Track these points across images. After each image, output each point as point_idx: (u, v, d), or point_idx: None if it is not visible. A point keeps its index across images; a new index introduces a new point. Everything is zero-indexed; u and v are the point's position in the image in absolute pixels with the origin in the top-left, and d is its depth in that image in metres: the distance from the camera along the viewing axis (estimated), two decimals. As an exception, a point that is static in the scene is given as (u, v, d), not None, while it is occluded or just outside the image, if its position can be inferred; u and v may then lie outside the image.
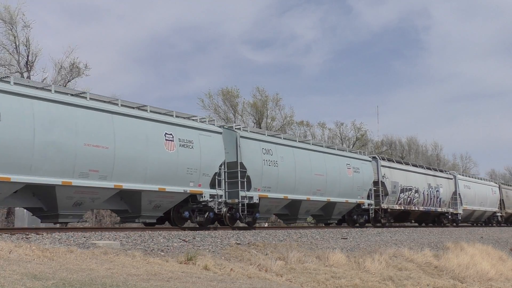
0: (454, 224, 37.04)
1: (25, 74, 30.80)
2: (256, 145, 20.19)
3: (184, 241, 13.91)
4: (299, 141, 23.22)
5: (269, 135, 21.67)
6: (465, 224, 41.68)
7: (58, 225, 15.55)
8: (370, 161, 27.70)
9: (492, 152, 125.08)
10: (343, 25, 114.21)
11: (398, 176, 29.77)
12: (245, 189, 19.39)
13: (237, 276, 10.47)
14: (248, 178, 19.45)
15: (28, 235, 12.25)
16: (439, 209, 34.27)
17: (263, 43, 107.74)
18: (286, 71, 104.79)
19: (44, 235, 12.50)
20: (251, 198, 19.59)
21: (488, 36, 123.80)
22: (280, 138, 22.15)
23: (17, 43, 31.06)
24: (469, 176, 42.98)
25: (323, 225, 26.43)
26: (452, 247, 21.23)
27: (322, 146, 24.52)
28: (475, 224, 44.05)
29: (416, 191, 31.50)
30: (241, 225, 20.67)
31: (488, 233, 32.96)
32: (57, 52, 59.89)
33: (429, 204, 33.01)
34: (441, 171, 37.41)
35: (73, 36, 78.04)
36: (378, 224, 28.45)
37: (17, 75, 29.33)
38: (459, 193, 37.00)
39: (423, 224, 36.48)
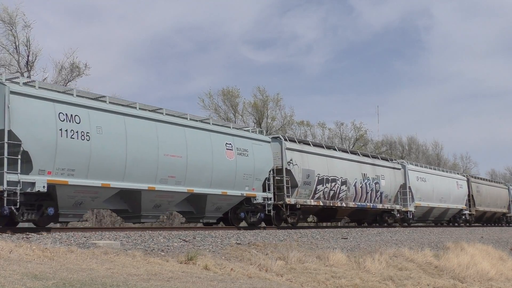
0: (405, 224, 30.98)
1: (25, 74, 30.79)
2: (48, 107, 13.88)
3: (184, 241, 13.91)
4: (139, 108, 16.54)
5: (79, 95, 15.01)
6: (421, 224, 35.83)
7: (58, 225, 15.59)
8: (268, 141, 21.34)
9: (492, 152, 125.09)
10: (344, 25, 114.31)
11: (314, 163, 23.39)
12: (18, 171, 13.09)
13: (238, 276, 10.47)
14: (27, 154, 13.28)
15: (28, 235, 12.25)
16: (379, 206, 27.97)
17: (264, 43, 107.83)
18: (287, 71, 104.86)
19: (45, 235, 12.50)
20: (32, 184, 13.31)
21: (489, 36, 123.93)
22: (105, 102, 15.55)
23: (17, 43, 31.07)
24: (426, 167, 35.70)
25: (200, 225, 21.41)
26: (452, 247, 21.23)
27: (186, 119, 18.11)
28: (437, 224, 38.10)
29: (344, 183, 25.12)
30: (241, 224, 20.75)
31: (489, 233, 32.98)
32: (59, 52, 59.68)
33: (365, 200, 26.68)
34: (384, 159, 31.35)
35: (74, 36, 78.06)
36: (284, 225, 22.66)
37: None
38: (409, 187, 30.81)
39: (365, 224, 30.04)
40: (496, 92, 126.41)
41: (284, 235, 17.78)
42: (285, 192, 21.53)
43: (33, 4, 70.10)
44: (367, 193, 26.92)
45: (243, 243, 14.83)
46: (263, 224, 21.85)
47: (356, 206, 26.13)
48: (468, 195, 39.03)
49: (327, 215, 26.69)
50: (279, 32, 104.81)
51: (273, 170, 21.33)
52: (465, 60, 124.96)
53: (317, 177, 23.31)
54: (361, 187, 26.50)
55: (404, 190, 30.67)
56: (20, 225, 14.71)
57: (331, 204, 24.34)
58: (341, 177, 25.02)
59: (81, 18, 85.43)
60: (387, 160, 31.23)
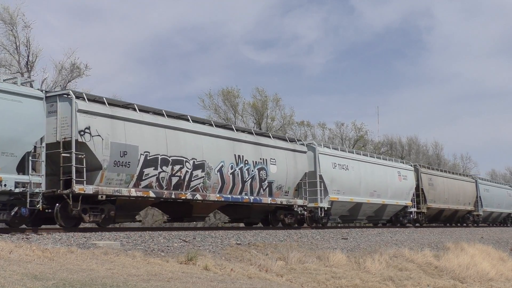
0: (314, 224, 24.16)
1: (26, 75, 30.80)
2: None
3: (184, 241, 13.91)
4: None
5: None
6: (340, 225, 27.27)
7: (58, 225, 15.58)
8: (38, 98, 13.98)
9: (492, 153, 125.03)
10: (345, 25, 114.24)
11: (139, 136, 16.25)
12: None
13: (238, 276, 10.47)
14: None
15: (28, 235, 12.26)
16: (266, 200, 20.59)
17: (266, 43, 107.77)
18: (288, 72, 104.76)
19: (45, 235, 12.50)
20: None
21: (490, 37, 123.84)
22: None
23: (18, 44, 31.06)
24: (350, 151, 28.52)
25: None
26: (452, 247, 21.23)
27: None
28: (377, 225, 30.62)
29: (199, 167, 17.92)
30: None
31: (489, 233, 32.95)
32: (60, 53, 59.78)
33: (241, 191, 19.56)
34: (280, 138, 23.16)
35: (75, 36, 78.00)
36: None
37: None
38: (320, 175, 23.93)
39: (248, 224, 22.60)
40: (497, 93, 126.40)
41: (284, 236, 17.78)
42: (74, 176, 14.26)
43: (34, 4, 70.17)
44: (244, 182, 19.57)
45: (243, 243, 14.83)
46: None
47: (222, 199, 18.73)
48: (417, 189, 32.24)
49: (179, 212, 19.15)
50: (280, 33, 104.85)
51: (57, 143, 14.55)
52: (466, 60, 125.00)
53: (143, 156, 16.16)
54: (232, 173, 19.06)
55: (312, 181, 23.53)
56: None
57: (174, 196, 17.14)
58: (193, 158, 17.72)
59: (82, 18, 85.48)
60: (284, 139, 23.08)
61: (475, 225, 40.23)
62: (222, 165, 18.81)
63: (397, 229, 27.58)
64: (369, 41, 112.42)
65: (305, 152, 23.32)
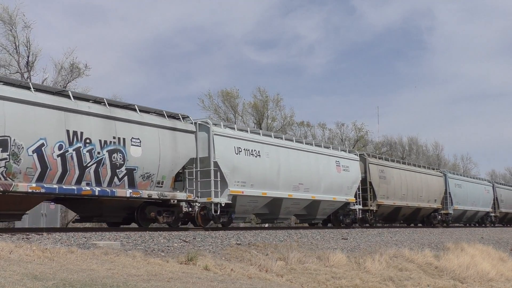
0: (212, 223, 19.62)
1: (25, 75, 30.80)
2: None
3: (185, 241, 13.91)
4: None
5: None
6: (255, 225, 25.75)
7: (58, 225, 15.59)
8: None
9: (493, 153, 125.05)
10: (346, 26, 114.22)
11: None
12: None
13: (238, 277, 10.47)
14: None
15: (28, 235, 12.25)
16: (122, 192, 15.74)
17: (267, 44, 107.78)
18: (289, 72, 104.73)
19: (45, 235, 12.50)
20: None
21: (492, 37, 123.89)
22: None
23: (17, 44, 31.06)
24: (265, 134, 22.07)
25: None
26: (452, 247, 21.24)
27: None
28: (313, 226, 25.66)
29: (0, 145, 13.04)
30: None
31: (489, 233, 32.93)
32: (61, 53, 59.68)
33: (81, 180, 14.72)
34: (152, 112, 17.48)
35: (76, 36, 78.06)
36: None
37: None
38: (215, 162, 18.37)
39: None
40: (497, 93, 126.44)
41: (284, 236, 17.78)
42: None
43: (35, 5, 70.15)
44: (84, 168, 14.78)
45: (243, 243, 14.83)
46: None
47: (42, 190, 13.87)
48: (365, 183, 27.70)
49: None
50: (281, 33, 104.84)
51: None
52: (467, 61, 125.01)
53: None
54: (61, 156, 14.27)
55: (205, 169, 18.50)
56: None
57: None
58: None
59: (83, 18, 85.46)
60: (160, 114, 17.52)
61: (445, 225, 36.05)
62: (43, 143, 13.86)
63: (397, 229, 27.54)
64: (370, 42, 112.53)
65: (192, 132, 18.12)
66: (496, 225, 44.45)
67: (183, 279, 8.96)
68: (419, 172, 33.53)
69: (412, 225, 34.96)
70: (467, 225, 41.83)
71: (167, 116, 17.43)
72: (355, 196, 26.24)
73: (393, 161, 32.14)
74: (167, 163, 16.87)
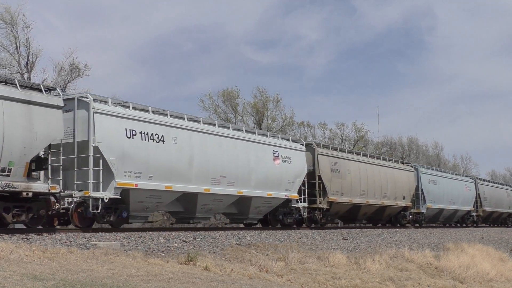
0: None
1: (26, 75, 30.81)
2: None
3: (185, 241, 13.91)
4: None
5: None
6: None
7: (57, 226, 15.58)
8: None
9: (493, 153, 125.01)
10: (347, 26, 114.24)
11: None
12: None
13: (238, 277, 10.47)
14: None
15: (28, 235, 12.25)
16: None
17: (267, 43, 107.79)
18: (290, 72, 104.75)
19: (45, 235, 12.50)
20: None
21: (492, 37, 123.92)
22: None
23: (18, 44, 31.08)
24: (174, 115, 18.00)
25: None
26: (452, 247, 21.23)
27: None
28: (205, 224, 23.89)
29: None
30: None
31: (489, 234, 32.92)
32: (61, 53, 59.67)
33: None
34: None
35: (77, 37, 78.05)
36: None
37: (17, 76, 29.36)
38: (95, 147, 15.08)
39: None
40: (497, 93, 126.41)
41: (285, 236, 17.78)
42: None
43: (36, 5, 70.19)
44: None
45: (243, 243, 14.83)
46: None
47: None
48: (313, 177, 23.67)
49: None
50: (281, 33, 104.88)
51: None
52: (468, 61, 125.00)
53: None
54: None
55: (84, 155, 15.08)
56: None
57: None
58: None
59: (84, 19, 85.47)
60: (11, 83, 13.63)
61: (417, 225, 32.42)
62: None
63: (397, 229, 27.53)
64: (371, 42, 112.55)
65: (59, 108, 14.10)
66: (480, 225, 40.80)
67: (183, 280, 8.96)
68: (383, 166, 29.13)
69: (382, 225, 30.65)
70: (447, 225, 38.63)
71: (20, 86, 13.53)
72: (300, 192, 22.22)
73: (350, 152, 28.10)
74: (16, 145, 13.01)
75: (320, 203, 23.87)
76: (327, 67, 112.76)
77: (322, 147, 25.02)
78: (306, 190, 22.85)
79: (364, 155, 29.15)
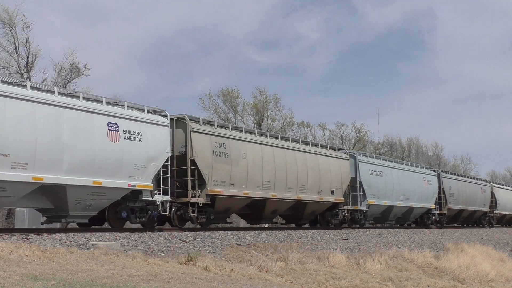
0: None
1: (25, 75, 30.79)
2: None
3: (185, 242, 13.91)
4: None
5: None
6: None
7: (59, 225, 15.59)
8: None
9: (493, 153, 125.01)
10: (348, 26, 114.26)
11: None
12: None
13: (238, 277, 10.47)
14: None
15: (28, 236, 12.25)
16: None
17: (268, 44, 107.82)
18: (290, 72, 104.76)
19: (45, 235, 12.50)
20: None
21: (493, 37, 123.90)
22: None
23: (17, 44, 31.06)
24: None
25: None
26: (452, 248, 21.23)
27: None
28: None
29: None
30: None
31: (489, 234, 32.89)
32: (61, 53, 59.71)
33: None
34: None
35: (78, 37, 78.07)
36: None
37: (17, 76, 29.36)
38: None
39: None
40: (498, 93, 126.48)
41: (284, 236, 17.78)
42: None
43: (37, 5, 70.14)
44: None
45: (243, 244, 14.83)
46: None
47: None
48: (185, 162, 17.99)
49: None
50: (282, 33, 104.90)
51: None
52: (468, 61, 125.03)
53: None
54: None
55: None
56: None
57: None
58: None
59: (85, 19, 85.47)
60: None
61: (357, 226, 26.66)
62: None
63: (397, 229, 27.50)
64: (371, 42, 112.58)
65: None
66: (445, 225, 35.56)
67: (183, 280, 8.96)
68: (301, 151, 22.95)
69: (302, 225, 25.48)
70: (401, 225, 32.59)
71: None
72: (153, 181, 16.80)
73: (250, 132, 21.35)
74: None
75: (193, 196, 17.96)
76: (327, 67, 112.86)
77: (202, 123, 18.92)
78: (171, 178, 17.36)
79: (274, 136, 22.75)
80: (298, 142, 23.91)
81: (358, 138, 56.31)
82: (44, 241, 11.52)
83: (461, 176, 40.49)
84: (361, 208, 26.27)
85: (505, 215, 45.39)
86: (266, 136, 21.91)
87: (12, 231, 13.07)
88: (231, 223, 26.30)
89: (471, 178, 42.77)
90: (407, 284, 13.96)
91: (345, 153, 26.45)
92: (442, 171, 36.60)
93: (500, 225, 45.35)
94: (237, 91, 48.03)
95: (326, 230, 22.42)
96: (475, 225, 41.33)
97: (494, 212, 42.86)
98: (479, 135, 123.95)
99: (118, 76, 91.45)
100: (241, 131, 20.61)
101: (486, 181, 44.86)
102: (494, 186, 43.89)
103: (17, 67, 31.05)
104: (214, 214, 19.13)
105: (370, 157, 28.87)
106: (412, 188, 31.00)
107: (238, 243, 14.81)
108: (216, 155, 18.68)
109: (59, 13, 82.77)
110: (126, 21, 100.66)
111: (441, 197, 34.52)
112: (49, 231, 13.79)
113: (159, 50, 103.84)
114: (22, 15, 30.79)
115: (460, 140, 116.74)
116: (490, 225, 42.24)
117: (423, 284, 14.31)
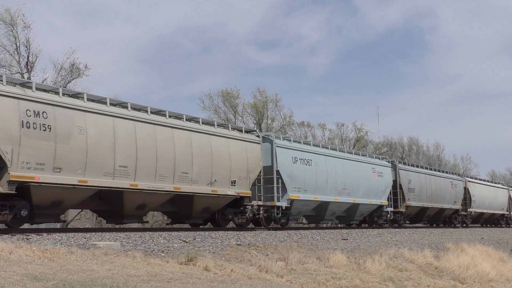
0: None
1: (26, 75, 30.81)
2: None
3: (185, 242, 13.91)
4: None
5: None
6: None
7: (58, 225, 15.61)
8: None
9: (493, 153, 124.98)
10: (348, 26, 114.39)
11: None
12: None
13: (238, 277, 10.47)
14: None
15: (28, 236, 12.25)
16: None
17: (269, 44, 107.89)
18: (291, 72, 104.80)
19: (45, 236, 12.50)
20: None
21: (494, 37, 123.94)
22: None
23: (18, 44, 31.08)
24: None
25: None
26: (452, 248, 21.23)
27: None
28: None
29: None
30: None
31: (489, 234, 32.87)
32: (62, 53, 59.75)
33: None
34: None
35: (78, 37, 78.12)
36: None
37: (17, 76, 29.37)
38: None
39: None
40: (498, 93, 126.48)
41: (285, 236, 17.78)
42: None
43: (38, 5, 70.18)
44: None
45: (243, 244, 14.83)
46: None
47: None
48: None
49: None
50: (283, 33, 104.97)
51: None
52: (469, 61, 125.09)
53: None
54: None
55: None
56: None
57: None
58: None
59: (86, 19, 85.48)
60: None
61: (275, 226, 21.87)
62: None
63: (397, 229, 27.47)
64: (372, 42, 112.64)
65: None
66: (404, 225, 31.07)
67: (183, 280, 8.96)
68: (181, 129, 17.54)
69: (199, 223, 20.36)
70: (348, 225, 27.74)
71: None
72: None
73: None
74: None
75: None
76: (328, 67, 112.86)
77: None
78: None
79: (136, 108, 16.73)
80: (180, 119, 18.03)
81: (358, 138, 56.30)
82: (44, 241, 11.53)
83: (425, 168, 34.61)
84: (278, 204, 21.12)
85: (482, 213, 40.00)
86: (127, 108, 16.35)
87: (12, 231, 13.07)
88: (64, 220, 19.15)
89: (438, 171, 36.52)
90: (407, 284, 13.96)
91: (257, 135, 21.13)
92: (399, 161, 31.35)
93: (479, 225, 41.19)
94: (237, 91, 48.08)
95: (326, 230, 22.43)
96: (445, 225, 36.15)
97: (469, 210, 37.36)
98: (479, 135, 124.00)
99: (118, 75, 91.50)
100: (79, 98, 15.25)
101: (459, 174, 39.88)
102: (468, 181, 38.30)
103: (18, 67, 31.07)
104: (26, 209, 13.82)
105: (295, 141, 23.53)
106: (356, 180, 25.90)
107: (238, 243, 14.81)
108: (28, 127, 13.57)
109: (59, 13, 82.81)
110: (126, 20, 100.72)
111: (398, 192, 29.55)
112: (49, 231, 13.79)
113: (160, 49, 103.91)
114: (23, 15, 30.82)
115: (460, 140, 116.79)
116: (464, 225, 36.99)
117: (423, 284, 14.31)
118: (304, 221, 28.92)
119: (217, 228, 19.49)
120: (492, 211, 41.45)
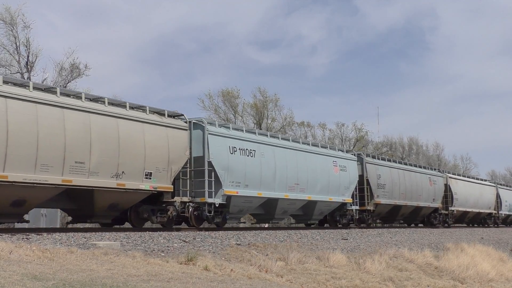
0: None
1: (25, 75, 30.81)
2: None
3: (184, 241, 13.91)
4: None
5: None
6: None
7: (58, 225, 15.61)
8: None
9: (493, 153, 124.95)
10: (349, 26, 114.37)
11: None
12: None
13: (238, 277, 10.47)
14: None
15: (28, 235, 12.26)
16: None
17: (269, 44, 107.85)
18: (291, 72, 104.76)
19: (45, 235, 12.50)
20: None
21: (494, 37, 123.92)
22: None
23: (18, 44, 31.08)
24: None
25: None
26: (452, 248, 21.22)
27: None
28: None
29: None
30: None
31: (489, 234, 32.87)
32: (62, 53, 59.77)
33: None
34: None
35: (79, 37, 78.11)
36: None
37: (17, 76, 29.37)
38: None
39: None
40: (498, 93, 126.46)
41: (284, 236, 17.78)
42: None
43: (38, 5, 70.15)
44: None
45: (243, 243, 14.83)
46: None
47: None
48: None
49: None
50: (283, 33, 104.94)
51: None
52: (468, 61, 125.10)
53: None
54: None
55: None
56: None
57: None
58: None
59: (86, 19, 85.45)
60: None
61: (199, 227, 18.46)
62: None
63: (397, 229, 27.47)
64: (373, 42, 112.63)
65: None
66: (373, 225, 29.12)
67: (183, 280, 8.96)
68: (73, 109, 14.50)
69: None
70: (307, 225, 25.29)
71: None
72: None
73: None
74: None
75: None
76: (329, 67, 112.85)
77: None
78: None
79: (10, 82, 13.87)
80: (79, 98, 15.05)
81: (358, 138, 56.30)
82: (44, 241, 11.53)
83: (398, 162, 31.40)
84: (210, 200, 18.29)
85: (466, 212, 37.01)
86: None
87: (12, 230, 13.09)
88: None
89: (414, 166, 33.63)
90: (407, 284, 13.97)
91: (185, 121, 18.32)
92: (366, 155, 28.22)
93: (465, 225, 38.90)
94: (237, 91, 48.07)
95: (326, 230, 22.42)
96: (425, 225, 33.51)
97: (450, 209, 34.59)
98: (479, 135, 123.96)
99: (118, 75, 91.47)
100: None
101: (439, 170, 37.15)
102: (450, 177, 35.42)
103: (18, 66, 31.07)
104: None
105: (235, 129, 20.44)
106: (313, 175, 23.06)
107: (238, 243, 14.81)
108: None
109: (59, 13, 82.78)
110: (127, 20, 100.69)
111: (366, 189, 26.74)
112: (49, 231, 13.79)
113: (160, 49, 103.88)
114: (23, 15, 30.82)
115: (460, 140, 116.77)
116: (446, 225, 34.57)
117: (423, 284, 14.31)
118: (293, 220, 26.99)
119: (217, 228, 19.47)
120: (477, 210, 38.61)
